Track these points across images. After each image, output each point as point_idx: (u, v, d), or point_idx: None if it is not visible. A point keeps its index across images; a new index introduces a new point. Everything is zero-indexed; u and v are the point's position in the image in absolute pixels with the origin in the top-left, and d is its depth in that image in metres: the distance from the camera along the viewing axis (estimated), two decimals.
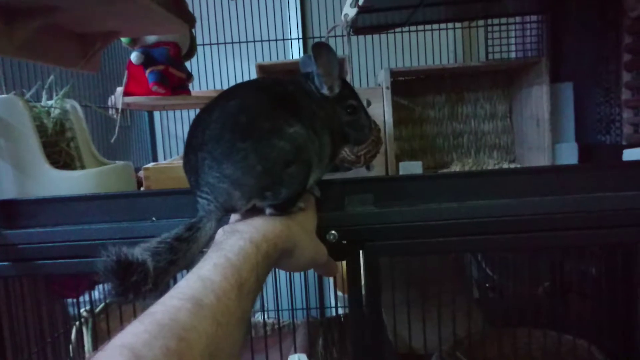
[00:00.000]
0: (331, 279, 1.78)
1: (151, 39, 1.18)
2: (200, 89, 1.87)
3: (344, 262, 0.71)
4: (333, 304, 1.94)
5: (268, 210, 0.58)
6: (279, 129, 0.55)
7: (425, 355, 0.94)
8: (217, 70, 1.98)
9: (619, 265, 1.07)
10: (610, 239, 0.70)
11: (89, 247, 0.71)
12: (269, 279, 0.85)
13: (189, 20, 1.06)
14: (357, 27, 1.38)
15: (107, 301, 0.99)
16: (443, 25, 1.72)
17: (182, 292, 0.42)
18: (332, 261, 0.66)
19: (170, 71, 1.20)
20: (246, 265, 0.47)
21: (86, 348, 0.98)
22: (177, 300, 0.41)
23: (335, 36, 1.65)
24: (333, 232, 0.67)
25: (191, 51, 1.30)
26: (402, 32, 1.75)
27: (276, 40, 2.04)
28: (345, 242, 0.68)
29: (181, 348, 0.37)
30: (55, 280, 1.04)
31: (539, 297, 1.32)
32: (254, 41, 2.00)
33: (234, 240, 0.49)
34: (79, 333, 0.98)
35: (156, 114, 2.08)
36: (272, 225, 0.54)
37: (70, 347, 0.98)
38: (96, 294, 1.13)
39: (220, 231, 0.53)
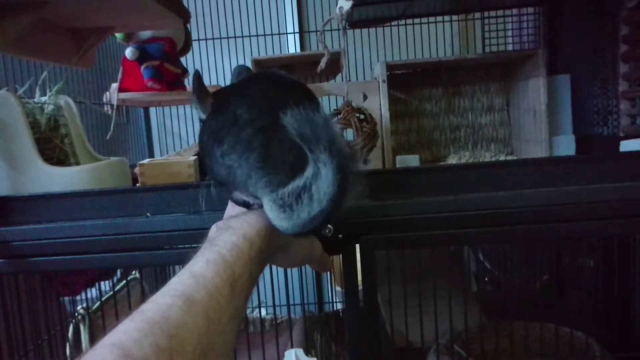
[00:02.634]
0: (330, 274, 1.78)
1: (146, 34, 1.17)
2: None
3: (341, 257, 0.70)
4: (331, 299, 1.94)
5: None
6: None
7: (422, 348, 0.94)
8: (212, 65, 1.97)
9: (616, 257, 1.07)
10: (607, 231, 0.70)
11: (83, 243, 0.71)
12: (266, 275, 0.85)
13: (184, 15, 1.06)
14: (353, 21, 1.37)
15: (103, 299, 0.99)
16: (439, 18, 1.71)
17: (173, 289, 0.41)
18: (327, 256, 0.66)
19: (165, 67, 1.19)
20: (239, 261, 0.47)
21: (83, 345, 0.97)
22: (169, 297, 0.40)
23: (330, 30, 1.64)
24: (329, 226, 0.67)
25: (186, 46, 1.30)
26: (398, 25, 1.74)
27: (272, 34, 2.04)
28: (341, 235, 0.68)
29: (172, 345, 0.37)
30: (51, 278, 1.04)
31: (537, 290, 1.32)
32: (250, 36, 2.00)
33: (227, 237, 0.49)
34: (76, 330, 0.97)
35: (152, 110, 2.07)
36: (266, 220, 0.53)
37: (67, 344, 0.98)
38: (93, 291, 1.13)
39: (213, 227, 0.53)
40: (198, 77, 0.59)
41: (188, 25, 1.26)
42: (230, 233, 0.50)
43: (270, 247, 0.52)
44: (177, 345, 0.37)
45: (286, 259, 0.58)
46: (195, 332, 0.39)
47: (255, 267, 0.49)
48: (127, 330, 0.36)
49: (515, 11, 1.60)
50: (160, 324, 0.37)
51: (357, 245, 0.69)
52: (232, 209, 0.64)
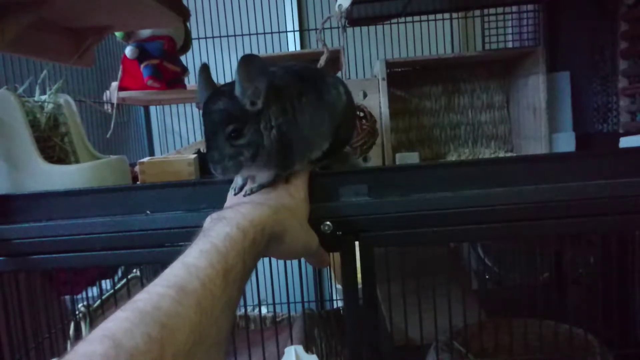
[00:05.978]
0: (332, 273, 1.78)
1: (145, 33, 1.17)
2: (195, 82, 1.86)
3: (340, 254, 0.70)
4: (331, 296, 1.94)
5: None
6: None
7: (422, 345, 0.94)
8: (212, 63, 1.97)
9: (615, 254, 1.07)
10: (607, 227, 0.70)
11: (83, 241, 0.71)
12: (267, 273, 0.85)
13: (183, 13, 1.06)
14: (352, 18, 1.37)
15: (104, 297, 0.99)
16: (439, 16, 1.71)
17: (166, 280, 0.41)
18: (324, 251, 0.66)
19: (165, 65, 1.19)
20: (232, 251, 0.46)
21: None
22: (161, 287, 0.40)
23: (330, 28, 1.65)
24: (328, 223, 0.67)
25: (186, 45, 1.30)
26: (397, 22, 1.74)
27: (272, 32, 2.03)
28: (340, 233, 0.68)
29: (163, 335, 0.36)
30: (52, 277, 1.04)
31: (538, 287, 1.32)
32: (250, 34, 2.00)
33: (221, 227, 0.49)
34: (77, 329, 0.98)
35: (152, 109, 2.08)
36: (260, 210, 0.54)
37: (69, 343, 0.98)
38: (94, 290, 1.13)
39: (208, 219, 0.53)
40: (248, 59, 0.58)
41: (188, 24, 1.26)
42: (223, 224, 0.50)
43: (264, 236, 0.52)
44: (169, 335, 0.37)
45: (282, 250, 0.58)
46: (188, 322, 0.39)
47: (249, 257, 0.49)
48: (118, 321, 0.36)
49: (515, 9, 1.60)
50: (152, 313, 0.37)
51: (356, 243, 0.69)
52: (229, 201, 0.64)
